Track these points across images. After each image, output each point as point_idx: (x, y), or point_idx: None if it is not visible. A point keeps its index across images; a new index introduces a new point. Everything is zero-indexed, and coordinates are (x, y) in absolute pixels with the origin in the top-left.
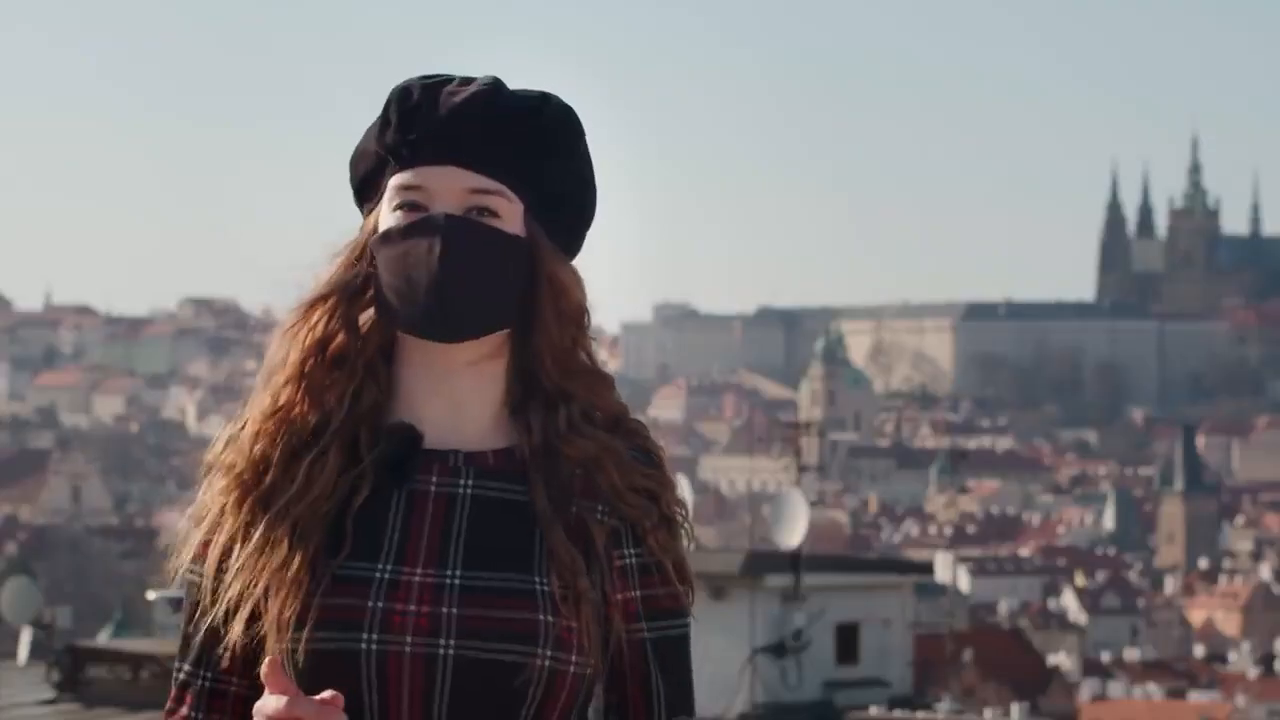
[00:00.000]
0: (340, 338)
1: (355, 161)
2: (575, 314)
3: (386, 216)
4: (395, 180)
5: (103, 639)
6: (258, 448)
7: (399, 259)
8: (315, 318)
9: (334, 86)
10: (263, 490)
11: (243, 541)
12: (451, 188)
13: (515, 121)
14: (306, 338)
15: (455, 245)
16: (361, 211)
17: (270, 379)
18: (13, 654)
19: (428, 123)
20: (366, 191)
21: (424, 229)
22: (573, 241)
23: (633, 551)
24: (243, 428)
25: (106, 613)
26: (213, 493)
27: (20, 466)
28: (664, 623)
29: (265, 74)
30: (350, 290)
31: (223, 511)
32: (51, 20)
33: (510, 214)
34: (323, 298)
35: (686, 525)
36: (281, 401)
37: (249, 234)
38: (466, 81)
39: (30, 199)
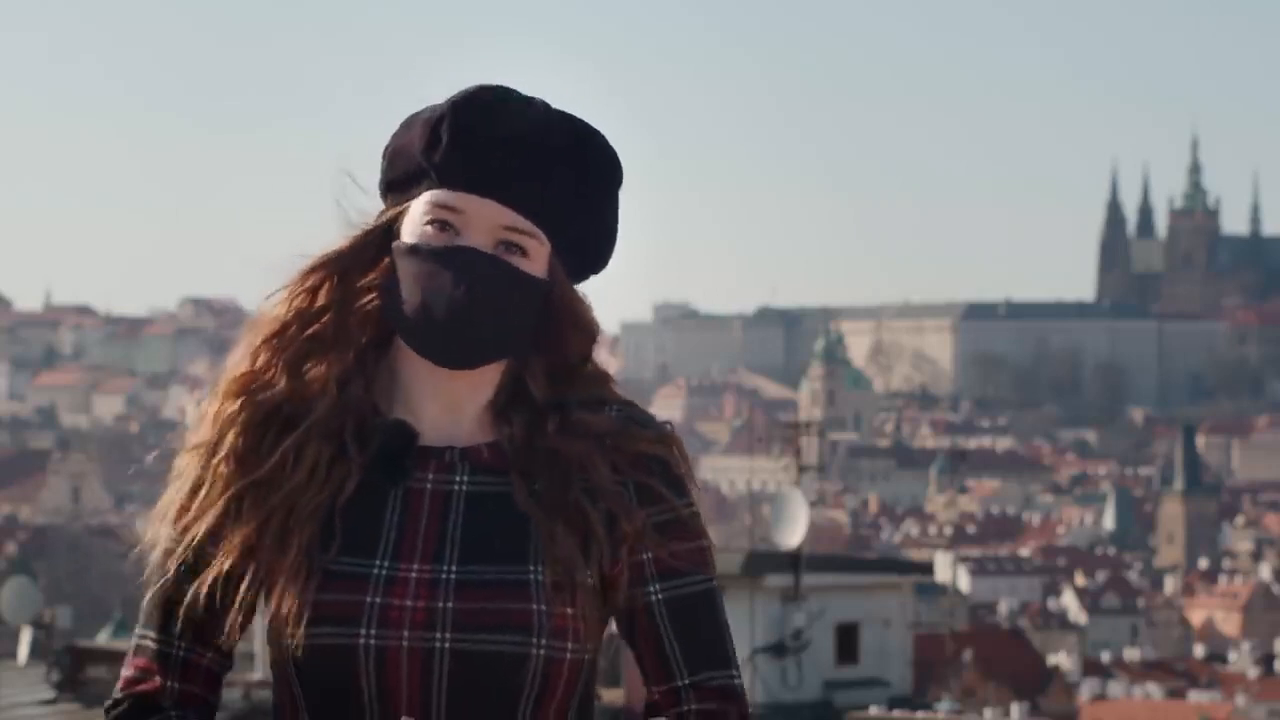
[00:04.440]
0: (328, 315)
1: (393, 158)
2: (590, 339)
3: (416, 227)
4: (432, 196)
5: (103, 639)
6: (237, 416)
7: (423, 277)
8: (309, 285)
9: (334, 86)
10: (250, 471)
11: (229, 514)
12: (488, 220)
13: (561, 161)
14: (296, 302)
15: (482, 284)
16: (384, 199)
17: (253, 333)
18: (13, 654)
19: (477, 150)
20: (395, 189)
21: (455, 259)
22: (584, 279)
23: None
24: (228, 383)
25: (106, 613)
26: (196, 452)
27: (20, 466)
28: (677, 581)
29: (265, 74)
30: (347, 265)
31: (203, 483)
32: (51, 20)
33: (537, 254)
34: (318, 267)
35: (692, 479)
36: (259, 364)
37: (249, 234)
38: (521, 106)
39: (30, 199)
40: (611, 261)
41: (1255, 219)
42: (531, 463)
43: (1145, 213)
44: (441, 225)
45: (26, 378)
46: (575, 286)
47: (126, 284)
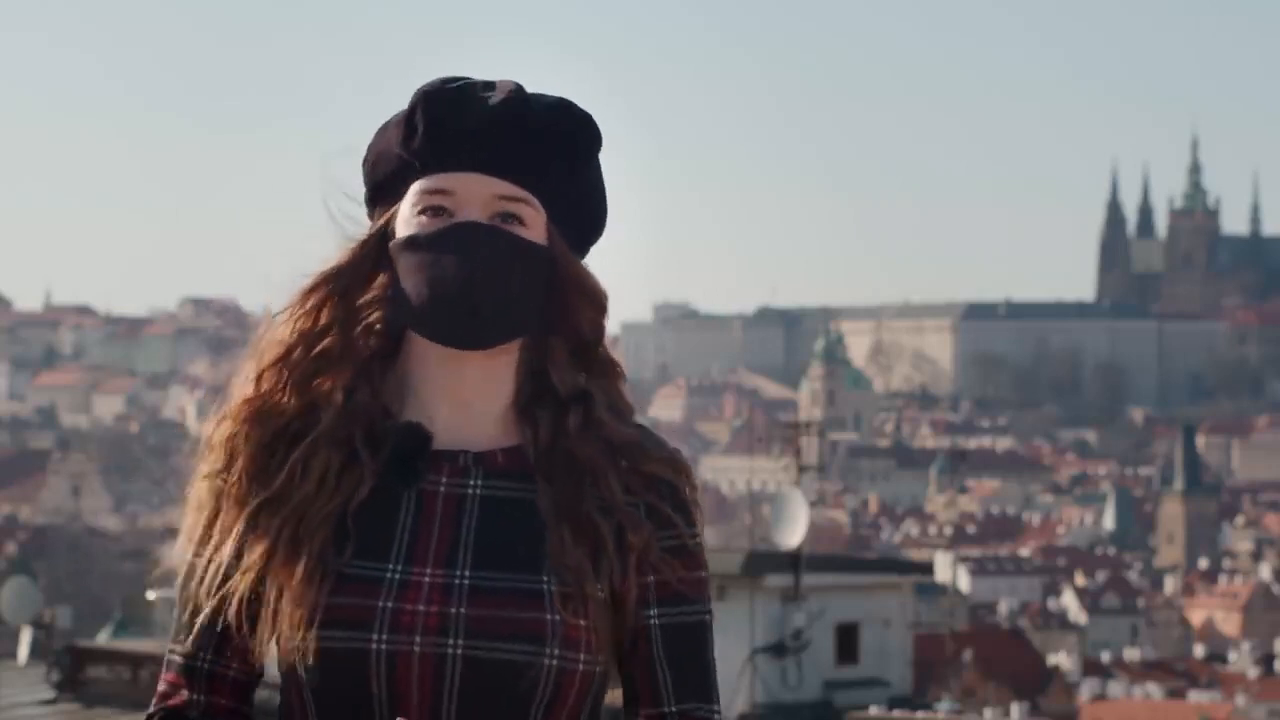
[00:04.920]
0: (333, 333)
1: (373, 164)
2: (601, 309)
3: (409, 221)
4: (420, 185)
5: (103, 639)
6: (246, 438)
7: (426, 265)
8: (310, 305)
9: (334, 86)
10: (263, 489)
11: (247, 534)
12: (480, 194)
13: (543, 130)
14: (298, 324)
15: (484, 254)
16: (370, 212)
17: (258, 357)
18: (13, 654)
19: (457, 129)
20: (382, 194)
21: (453, 237)
22: (585, 248)
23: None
24: (234, 408)
25: (106, 613)
26: (210, 480)
27: (20, 466)
28: (675, 608)
29: (265, 74)
30: (346, 281)
31: (219, 499)
32: (51, 20)
33: (535, 222)
34: (318, 286)
35: (699, 508)
36: (265, 387)
37: (249, 234)
38: (489, 86)
39: (30, 199)
40: (611, 262)
41: (1255, 219)
42: (551, 466)
43: (1145, 213)
44: (435, 210)
45: (26, 378)
46: (580, 262)
47: (126, 284)
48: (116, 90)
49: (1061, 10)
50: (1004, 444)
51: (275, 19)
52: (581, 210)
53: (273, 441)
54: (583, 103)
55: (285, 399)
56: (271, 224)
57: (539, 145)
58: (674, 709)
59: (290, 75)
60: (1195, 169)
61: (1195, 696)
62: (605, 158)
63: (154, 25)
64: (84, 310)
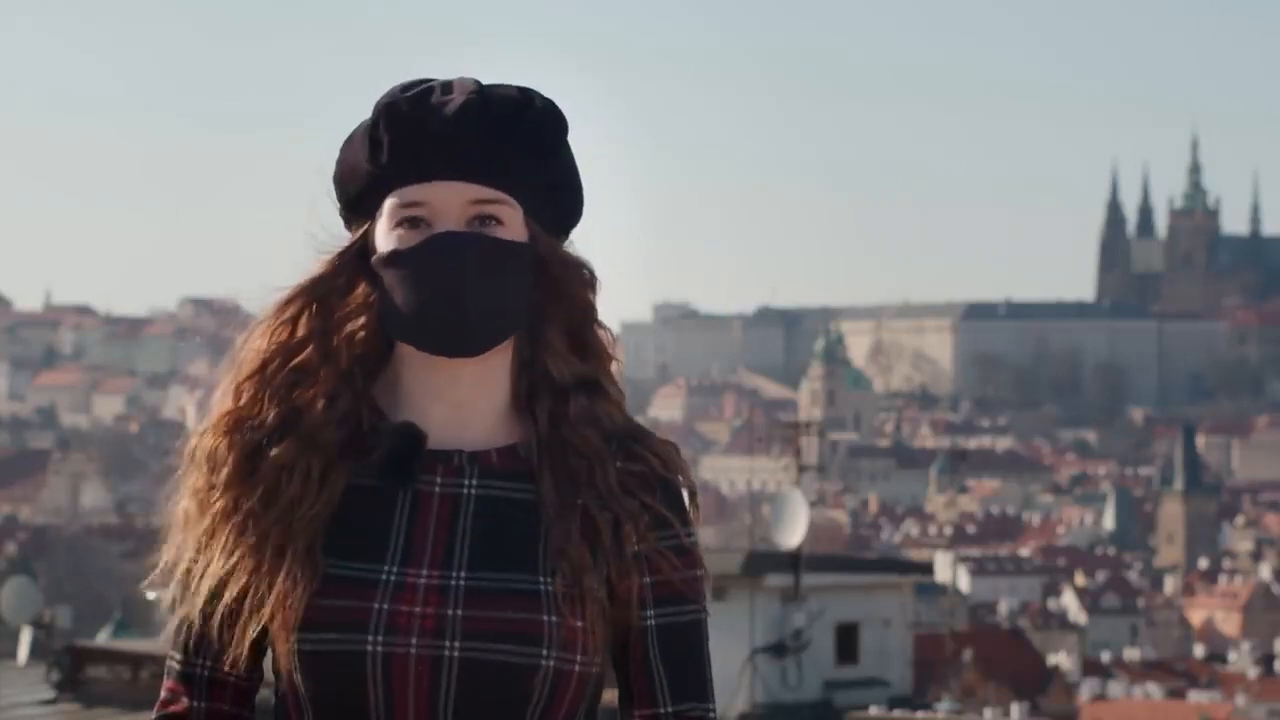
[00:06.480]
0: (310, 345)
1: (344, 179)
2: (589, 284)
3: (388, 236)
4: (394, 199)
5: (102, 639)
6: (228, 450)
7: (412, 279)
8: (287, 316)
9: (333, 86)
10: (246, 493)
11: (234, 542)
12: (455, 201)
13: (508, 127)
14: (275, 335)
15: (469, 262)
16: (349, 225)
17: (236, 370)
18: (13, 654)
19: (422, 139)
20: (356, 209)
21: (435, 248)
22: (565, 234)
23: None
24: (214, 421)
25: (106, 613)
26: (197, 490)
27: (20, 466)
28: (671, 608)
29: (265, 74)
30: (324, 291)
31: (205, 519)
32: (51, 20)
33: (512, 220)
34: (295, 297)
35: (695, 505)
36: (244, 400)
37: (249, 234)
38: (448, 88)
39: (30, 199)
40: (611, 262)
41: (1255, 219)
42: (552, 458)
43: (1145, 213)
44: (412, 223)
45: (26, 378)
46: (567, 249)
47: (126, 284)
48: (116, 90)
49: (1061, 10)
50: (1004, 444)
51: (275, 19)
52: (557, 197)
53: (255, 452)
54: (582, 103)
55: (264, 410)
56: (271, 224)
57: (506, 141)
58: (669, 709)
59: (290, 75)
60: (1195, 169)
61: (1195, 696)
62: (607, 158)
63: (154, 25)
64: (84, 310)
